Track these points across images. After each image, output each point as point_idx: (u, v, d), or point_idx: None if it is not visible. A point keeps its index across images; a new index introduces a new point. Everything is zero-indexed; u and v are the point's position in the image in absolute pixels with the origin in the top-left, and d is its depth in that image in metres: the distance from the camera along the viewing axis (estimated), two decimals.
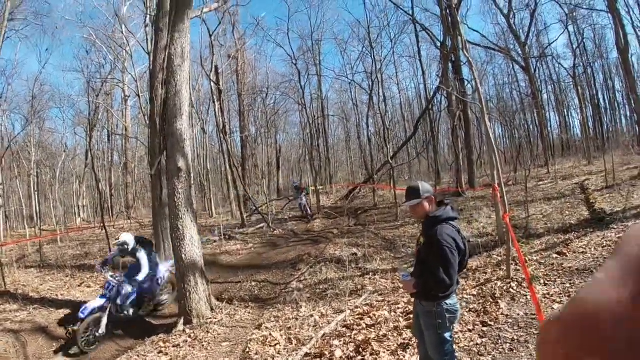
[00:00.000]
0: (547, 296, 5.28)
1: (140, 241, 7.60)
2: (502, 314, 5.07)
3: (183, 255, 6.92)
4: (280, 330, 5.82)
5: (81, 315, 6.33)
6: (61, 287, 9.48)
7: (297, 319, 6.20)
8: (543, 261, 6.81)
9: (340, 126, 44.29)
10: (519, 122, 30.50)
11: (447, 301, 3.34)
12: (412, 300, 4.47)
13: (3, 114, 24.99)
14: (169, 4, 8.21)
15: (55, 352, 6.51)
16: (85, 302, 6.97)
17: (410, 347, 4.55)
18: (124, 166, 30.74)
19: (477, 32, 59.07)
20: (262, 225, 16.28)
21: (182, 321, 6.79)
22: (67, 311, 7.76)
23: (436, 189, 16.10)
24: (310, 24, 51.61)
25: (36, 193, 21.25)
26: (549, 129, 32.20)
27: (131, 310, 7.23)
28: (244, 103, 26.31)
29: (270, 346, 5.37)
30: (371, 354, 4.53)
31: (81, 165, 32.52)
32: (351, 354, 4.66)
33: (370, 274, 8.05)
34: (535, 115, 28.49)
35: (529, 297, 5.41)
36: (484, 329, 4.80)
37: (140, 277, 6.95)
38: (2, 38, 14.04)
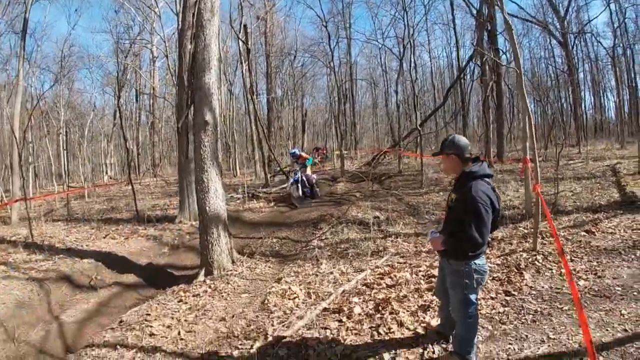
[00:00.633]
0: (573, 272, 5.16)
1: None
2: (526, 285, 4.99)
3: (207, 208, 6.96)
4: (300, 285, 5.86)
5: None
6: (87, 238, 9.66)
7: (317, 275, 6.22)
8: (570, 237, 6.66)
9: (368, 92, 43.97)
10: (553, 98, 29.59)
11: (476, 261, 3.27)
12: (436, 263, 4.44)
13: (32, 74, 25.21)
14: None
15: None
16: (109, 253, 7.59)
17: (431, 310, 4.52)
18: (151, 125, 31.12)
19: (515, 3, 57.17)
20: (285, 185, 16.33)
21: (203, 272, 6.90)
22: (91, 260, 7.93)
23: None
24: None
25: (65, 151, 21.56)
26: (583, 108, 31.30)
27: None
28: (272, 65, 26.08)
29: (289, 299, 5.40)
30: (390, 313, 4.51)
31: (109, 125, 33.10)
32: (370, 311, 4.65)
33: (393, 236, 8.00)
34: (570, 93, 27.66)
35: (554, 271, 5.31)
36: (507, 298, 4.73)
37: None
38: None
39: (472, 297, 3.36)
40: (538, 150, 7.12)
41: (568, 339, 3.74)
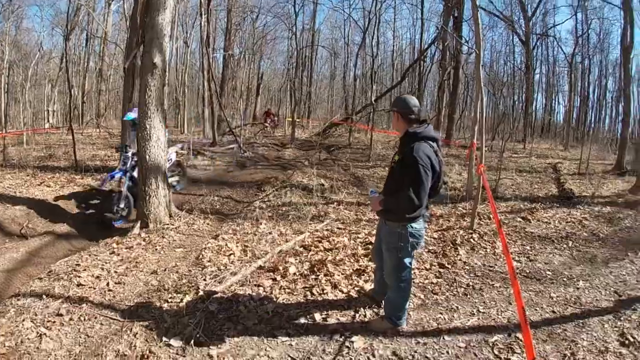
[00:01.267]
0: None
1: None
2: (460, 260, 5.10)
3: (147, 157, 6.59)
4: (237, 243, 5.73)
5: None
6: (20, 185, 9.13)
7: (255, 234, 6.11)
8: (507, 222, 6.90)
9: (328, 63, 43.64)
10: (507, 94, 30.41)
11: (413, 224, 3.24)
12: (374, 232, 4.42)
13: None
14: None
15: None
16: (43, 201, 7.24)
17: (365, 274, 4.53)
18: (98, 72, 29.28)
19: None
20: (233, 146, 16.02)
21: (138, 224, 6.60)
22: (24, 208, 7.51)
23: None
24: None
25: (5, 94, 20.09)
26: (534, 107, 32.41)
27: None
28: (232, 21, 25.07)
29: (225, 256, 5.27)
30: (325, 275, 4.49)
31: (55, 69, 30.82)
32: (305, 272, 4.61)
33: (335, 203, 8.00)
34: (524, 90, 28.46)
35: (488, 250, 5.49)
36: (441, 270, 4.82)
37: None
38: None
39: (407, 261, 3.34)
40: (485, 140, 7.25)
41: (497, 314, 3.84)
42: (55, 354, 3.29)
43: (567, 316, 3.83)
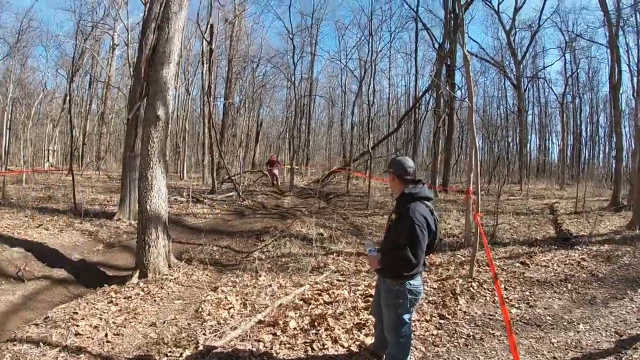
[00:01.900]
0: (507, 300, 5.33)
1: None
2: (460, 309, 5.08)
3: (148, 207, 6.68)
4: (237, 295, 5.71)
5: None
6: (19, 225, 9.13)
7: (254, 287, 6.08)
8: (505, 267, 6.89)
9: (325, 111, 44.51)
10: (501, 136, 30.90)
11: (411, 281, 3.29)
12: (374, 283, 4.44)
13: None
14: None
15: None
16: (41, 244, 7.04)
17: (366, 328, 4.51)
18: (100, 115, 29.81)
19: (476, 42, 59.56)
20: (232, 194, 16.13)
21: (137, 274, 6.57)
22: (21, 250, 7.51)
23: None
24: (313, 2, 51.21)
25: (8, 130, 20.38)
26: (528, 149, 32.87)
27: None
28: (233, 71, 25.72)
29: (224, 309, 5.25)
30: (326, 329, 4.46)
31: (58, 109, 31.46)
32: (306, 327, 4.58)
33: (334, 254, 7.99)
34: (518, 133, 28.91)
35: (488, 298, 5.46)
36: (441, 321, 4.79)
37: None
38: None
39: (406, 317, 3.37)
40: (481, 184, 7.34)
41: None
42: None
43: None
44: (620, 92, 15.58)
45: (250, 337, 4.42)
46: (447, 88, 17.25)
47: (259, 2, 48.22)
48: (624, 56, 21.44)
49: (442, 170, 19.50)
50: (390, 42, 31.20)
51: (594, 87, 32.94)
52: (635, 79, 22.33)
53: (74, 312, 4.99)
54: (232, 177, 17.58)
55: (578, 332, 4.41)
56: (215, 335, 4.44)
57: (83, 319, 4.80)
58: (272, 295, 5.73)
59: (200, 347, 4.16)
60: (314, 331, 4.47)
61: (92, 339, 4.39)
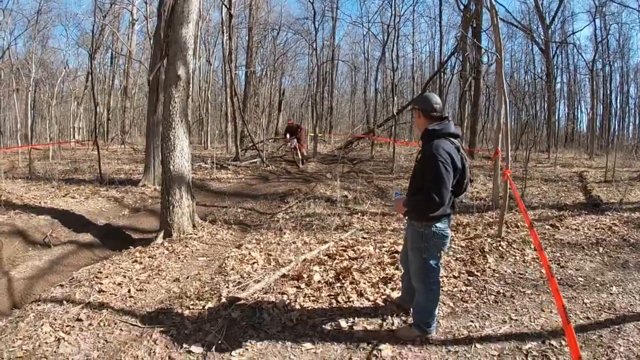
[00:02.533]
0: (536, 260, 5.16)
1: None
2: (489, 267, 4.94)
3: (171, 167, 6.64)
4: (260, 252, 5.68)
5: None
6: (45, 196, 9.32)
7: (279, 244, 6.05)
8: (535, 229, 6.67)
9: (348, 79, 43.93)
10: (529, 103, 30.04)
11: (437, 224, 3.14)
12: (400, 241, 4.33)
13: (6, 26, 24.03)
14: None
15: None
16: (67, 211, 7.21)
17: (392, 282, 4.42)
18: (123, 90, 29.91)
19: (503, 5, 57.58)
20: (255, 160, 16.11)
21: (161, 234, 6.60)
22: (48, 217, 7.64)
23: None
24: None
25: (32, 111, 20.61)
26: (557, 117, 31.89)
27: None
28: (253, 39, 25.38)
29: (248, 264, 5.23)
30: (351, 283, 4.38)
31: (81, 87, 31.83)
32: (330, 280, 4.52)
33: (359, 214, 7.89)
34: (546, 100, 28.07)
35: (517, 257, 5.30)
36: (470, 278, 4.66)
37: None
38: None
39: (432, 262, 3.23)
40: (509, 149, 7.08)
41: (530, 321, 3.69)
42: (72, 358, 3.27)
43: (602, 322, 3.67)
44: None
45: (274, 289, 4.38)
46: (474, 49, 16.71)
47: None
48: None
49: (468, 137, 19.08)
50: (414, 6, 30.29)
51: (624, 54, 31.69)
52: None
53: (98, 272, 5.01)
54: (256, 144, 17.50)
55: (611, 294, 4.23)
56: (238, 288, 4.42)
57: (107, 277, 4.82)
58: (296, 251, 5.69)
59: (223, 300, 4.14)
60: (338, 284, 4.39)
61: (115, 295, 4.40)
